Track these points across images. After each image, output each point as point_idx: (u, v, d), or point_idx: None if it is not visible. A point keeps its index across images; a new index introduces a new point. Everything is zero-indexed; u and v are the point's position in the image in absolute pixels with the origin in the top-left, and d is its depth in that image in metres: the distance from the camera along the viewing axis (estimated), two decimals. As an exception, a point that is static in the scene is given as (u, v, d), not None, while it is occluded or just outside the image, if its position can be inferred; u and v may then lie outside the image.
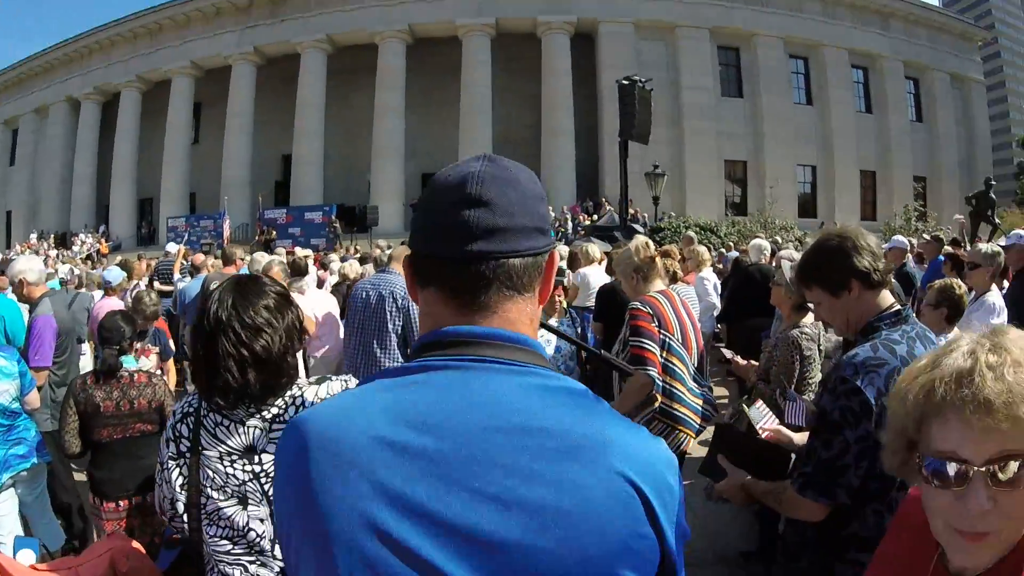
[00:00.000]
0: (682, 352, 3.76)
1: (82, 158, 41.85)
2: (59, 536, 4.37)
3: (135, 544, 2.09)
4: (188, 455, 1.85)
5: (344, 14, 36.31)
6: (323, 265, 12.29)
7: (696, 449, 4.36)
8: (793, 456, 2.33)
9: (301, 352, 5.96)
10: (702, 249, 9.35)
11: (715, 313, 8.41)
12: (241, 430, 1.84)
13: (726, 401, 7.65)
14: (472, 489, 0.85)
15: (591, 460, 0.87)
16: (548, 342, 4.49)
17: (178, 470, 1.85)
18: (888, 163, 38.28)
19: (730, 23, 36.25)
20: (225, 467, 1.81)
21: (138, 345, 4.77)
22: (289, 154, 37.28)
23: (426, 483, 0.85)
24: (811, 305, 4.21)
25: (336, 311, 6.30)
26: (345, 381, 2.01)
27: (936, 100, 40.23)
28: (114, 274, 6.83)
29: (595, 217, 28.19)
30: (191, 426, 1.87)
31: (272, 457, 1.81)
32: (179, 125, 39.11)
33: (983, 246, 5.98)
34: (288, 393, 1.91)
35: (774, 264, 6.81)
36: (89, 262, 25.14)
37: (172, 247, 13.19)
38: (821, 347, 4.34)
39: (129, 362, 3.90)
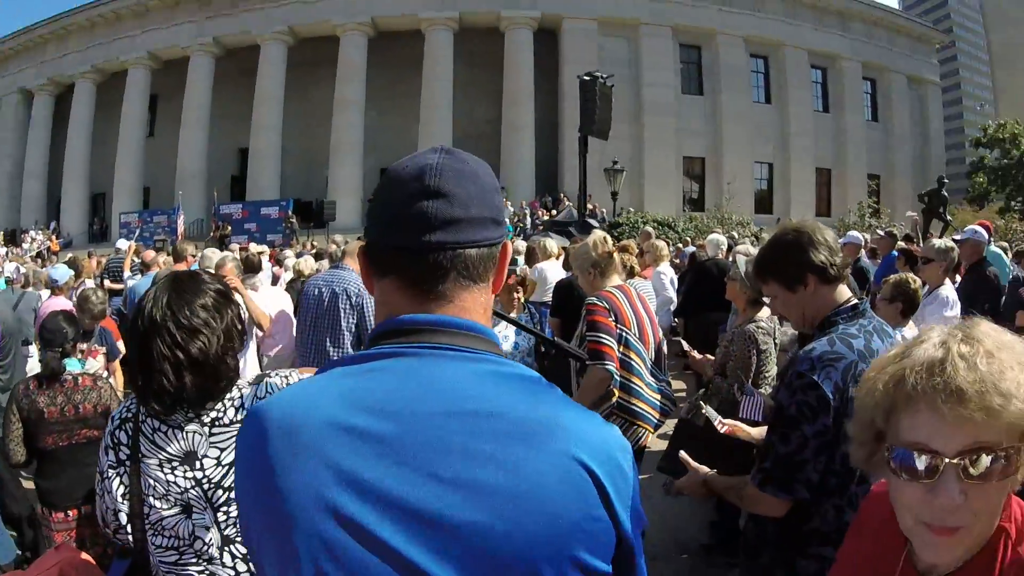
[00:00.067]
0: (639, 347, 3.77)
1: (34, 152, 40.66)
2: (11, 550, 4.20)
3: (84, 556, 2.00)
4: (128, 463, 1.75)
5: (306, 5, 35.84)
6: (278, 261, 12.11)
7: (655, 443, 4.37)
8: (755, 451, 2.33)
9: (256, 350, 5.86)
10: (660, 244, 9.41)
11: (672, 308, 8.45)
12: (180, 435, 1.75)
13: (684, 395, 7.71)
14: (429, 473, 0.86)
15: (544, 444, 0.88)
16: (505, 338, 4.46)
17: (118, 479, 1.75)
18: (844, 161, 39.04)
19: (692, 21, 36.59)
20: (166, 475, 1.73)
21: (84, 346, 4.61)
22: (246, 148, 36.71)
23: (384, 467, 0.87)
24: (766, 299, 4.27)
25: (290, 308, 6.20)
26: (286, 376, 1.93)
27: (892, 100, 41.10)
28: (60, 272, 6.62)
29: (554, 212, 28.24)
30: (130, 433, 1.77)
31: (214, 462, 1.74)
32: (134, 118, 38.19)
33: (937, 241, 6.09)
34: (228, 396, 1.82)
35: (731, 259, 6.86)
36: (40, 260, 24.43)
37: (123, 244, 12.86)
38: (776, 341, 4.38)
39: (73, 365, 3.74)
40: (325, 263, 8.67)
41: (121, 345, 5.66)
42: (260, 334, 5.88)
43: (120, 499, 1.75)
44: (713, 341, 5.03)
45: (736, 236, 15.33)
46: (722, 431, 2.46)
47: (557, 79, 35.19)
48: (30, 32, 41.69)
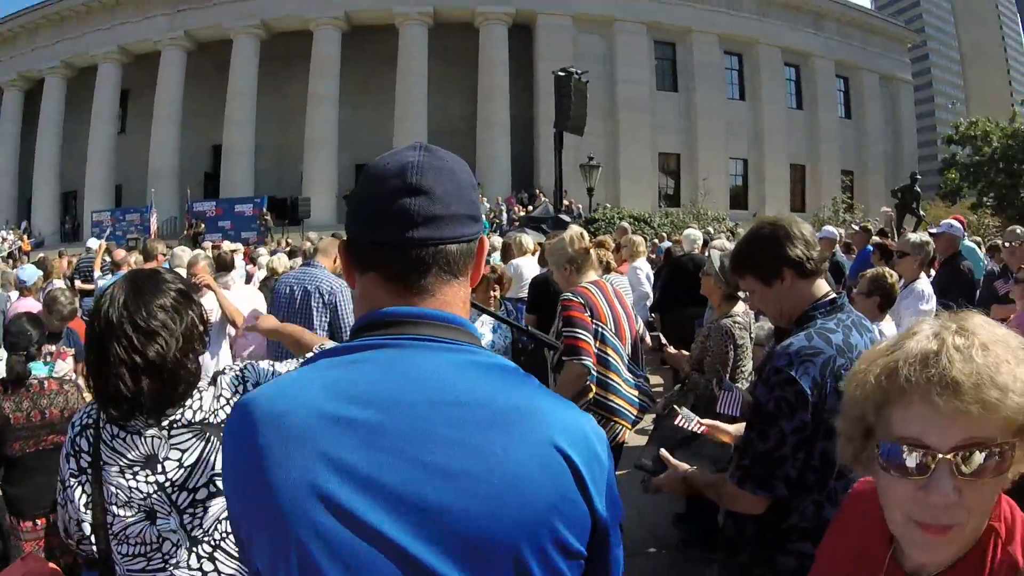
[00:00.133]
0: (616, 342, 3.75)
1: (3, 150, 39.63)
2: None
3: (51, 566, 1.95)
4: (90, 471, 1.69)
5: (279, -1, 35.52)
6: (252, 259, 11.98)
7: (633, 439, 4.36)
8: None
9: (229, 349, 5.77)
10: (638, 239, 9.39)
11: (648, 303, 8.46)
12: (139, 441, 1.68)
13: (661, 389, 7.72)
14: (415, 460, 0.90)
15: (524, 431, 0.93)
16: (481, 336, 4.43)
17: (80, 488, 1.69)
18: (817, 157, 39.52)
19: (667, 19, 36.78)
20: (127, 480, 1.66)
21: (52, 348, 4.51)
22: (219, 144, 36.25)
23: (371, 455, 0.90)
24: (742, 294, 4.28)
25: (263, 307, 6.08)
26: (241, 370, 1.86)
27: (865, 98, 41.65)
28: (28, 272, 6.51)
29: (530, 208, 28.23)
30: (91, 440, 1.70)
31: (176, 464, 1.68)
32: (105, 114, 37.51)
33: (912, 236, 6.13)
34: (186, 402, 1.75)
35: (706, 254, 6.89)
36: (11, 260, 23.98)
37: (93, 243, 12.68)
38: (752, 335, 4.39)
39: (39, 368, 3.64)
40: (299, 260, 8.60)
41: (90, 346, 5.52)
42: (233, 333, 5.79)
43: (83, 509, 1.68)
44: (689, 336, 5.05)
45: (712, 231, 15.39)
46: (699, 431, 2.44)
47: (532, 75, 35.19)
48: (-3, 27, 40.87)
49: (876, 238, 9.44)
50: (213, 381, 1.83)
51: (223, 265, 6.37)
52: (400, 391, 0.93)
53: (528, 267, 7.56)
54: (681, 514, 4.96)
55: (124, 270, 7.84)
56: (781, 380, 1.95)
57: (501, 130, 34.84)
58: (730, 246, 5.62)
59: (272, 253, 11.50)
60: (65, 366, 4.67)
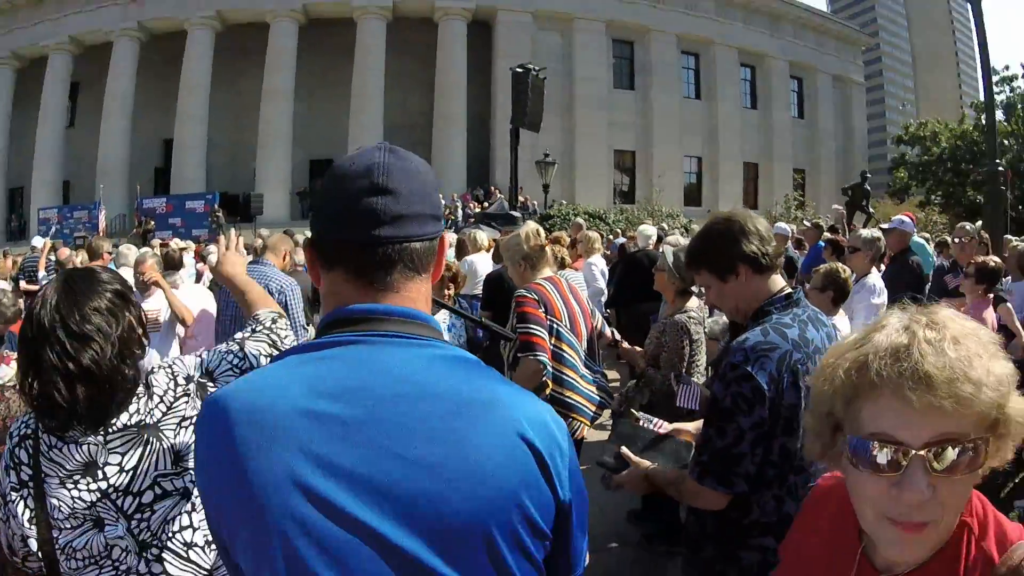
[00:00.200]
0: (571, 339, 3.74)
1: (-53, 147, 38.21)
2: None
3: None
4: (31, 484, 1.59)
5: (236, -10, 34.83)
6: (203, 257, 11.72)
7: (592, 435, 4.35)
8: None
9: (179, 350, 5.62)
10: (594, 235, 9.43)
11: (603, 299, 8.48)
12: (75, 449, 1.59)
13: (618, 384, 7.75)
14: (388, 450, 0.94)
15: (489, 420, 0.98)
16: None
17: (23, 502, 1.59)
18: (770, 156, 40.26)
19: (626, 17, 37.03)
20: (69, 490, 1.57)
21: (-7, 351, 4.32)
22: (171, 139, 35.37)
23: (347, 447, 0.94)
24: (695, 289, 4.30)
25: (212, 307, 5.93)
26: (170, 366, 1.77)
27: (818, 99, 42.50)
28: (-33, 271, 6.24)
29: (486, 205, 28.20)
30: (30, 451, 1.61)
31: (116, 468, 1.60)
32: (54, 107, 36.23)
33: (864, 231, 6.24)
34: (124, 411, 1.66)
35: (660, 250, 6.93)
36: (-44, 261, 23.13)
37: (38, 241, 12.30)
38: (705, 329, 4.41)
39: (-22, 373, 3.48)
40: (250, 258, 8.42)
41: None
42: (183, 332, 5.65)
43: (27, 524, 1.59)
44: (645, 331, 5.06)
45: (666, 228, 15.53)
46: (662, 432, 2.42)
47: (490, 71, 35.14)
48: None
49: (828, 234, 9.59)
50: (145, 381, 1.74)
51: (171, 264, 6.21)
52: (372, 385, 0.97)
53: (482, 264, 7.53)
54: (637, 511, 4.96)
55: (69, 269, 7.59)
56: (737, 376, 1.93)
57: (458, 127, 34.70)
58: (684, 242, 5.64)
59: (223, 251, 11.25)
60: (9, 371, 4.49)
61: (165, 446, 1.64)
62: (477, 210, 27.04)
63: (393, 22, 35.10)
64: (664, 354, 4.19)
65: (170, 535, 1.63)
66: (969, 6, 10.94)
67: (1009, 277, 6.46)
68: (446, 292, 4.76)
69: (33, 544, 1.59)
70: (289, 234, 7.25)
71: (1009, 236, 10.01)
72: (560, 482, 1.01)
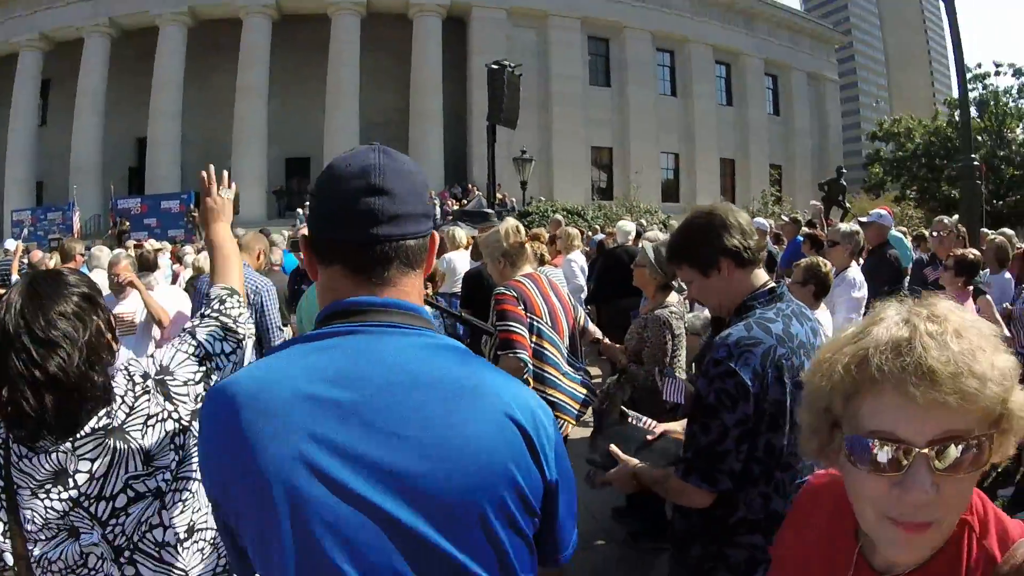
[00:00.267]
0: (553, 336, 3.70)
1: (-84, 148, 37.32)
2: None
3: None
4: (3, 496, 1.52)
5: (208, -14, 34.35)
6: (178, 258, 11.58)
7: (576, 432, 4.32)
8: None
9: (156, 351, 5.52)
10: (573, 232, 9.43)
11: (583, 295, 8.47)
12: (44, 459, 1.53)
13: (600, 380, 7.73)
14: (388, 432, 1.01)
15: (480, 403, 1.05)
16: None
17: None
18: (747, 152, 40.73)
19: (601, 14, 37.14)
20: (41, 500, 1.51)
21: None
22: (144, 137, 34.90)
23: (349, 429, 1.00)
24: (675, 284, 4.28)
25: (188, 308, 5.85)
26: (126, 367, 1.70)
27: (793, 96, 43.07)
28: (-67, 274, 6.10)
29: (464, 202, 28.14)
30: (0, 462, 1.54)
31: (87, 476, 1.53)
32: (25, 105, 35.54)
33: (843, 225, 6.25)
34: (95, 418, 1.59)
35: (639, 246, 6.92)
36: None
37: (10, 244, 12.11)
38: (686, 324, 4.41)
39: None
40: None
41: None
42: (159, 334, 5.56)
43: (1, 538, 1.52)
44: (625, 327, 5.05)
45: (644, 223, 15.58)
46: (656, 431, 2.39)
47: (466, 68, 35.06)
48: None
49: (806, 229, 9.64)
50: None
51: (146, 265, 6.11)
52: (372, 373, 1.04)
53: (461, 261, 7.50)
54: (621, 508, 4.95)
55: (42, 271, 7.44)
56: (721, 372, 1.90)
57: (434, 123, 34.58)
58: (663, 237, 5.63)
59: (199, 252, 11.14)
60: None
61: (134, 447, 1.58)
62: (455, 208, 26.97)
63: (367, 18, 34.86)
64: (647, 349, 4.17)
65: (140, 536, 1.59)
66: (942, 5, 11.02)
67: (987, 270, 6.52)
68: (424, 291, 4.72)
69: (9, 558, 1.53)
70: (265, 233, 7.17)
71: (986, 230, 10.10)
72: (547, 462, 1.09)
